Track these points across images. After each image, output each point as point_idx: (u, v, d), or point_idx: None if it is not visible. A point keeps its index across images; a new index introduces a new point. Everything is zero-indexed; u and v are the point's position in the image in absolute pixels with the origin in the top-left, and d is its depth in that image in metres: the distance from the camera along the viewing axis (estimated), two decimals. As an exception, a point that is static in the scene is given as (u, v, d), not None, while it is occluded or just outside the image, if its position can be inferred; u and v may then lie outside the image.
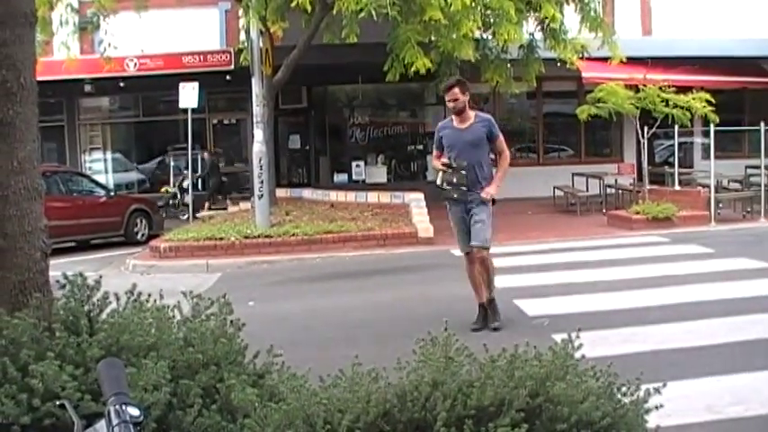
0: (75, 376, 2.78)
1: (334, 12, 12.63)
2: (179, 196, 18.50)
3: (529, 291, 8.27)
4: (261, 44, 13.59)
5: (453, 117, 7.05)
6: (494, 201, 6.88)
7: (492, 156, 7.18)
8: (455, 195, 6.78)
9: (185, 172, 18.63)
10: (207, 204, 18.50)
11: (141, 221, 16.10)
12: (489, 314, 6.93)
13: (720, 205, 14.11)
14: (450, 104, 6.93)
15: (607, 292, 8.09)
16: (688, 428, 4.27)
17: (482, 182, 6.83)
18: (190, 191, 16.67)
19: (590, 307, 7.37)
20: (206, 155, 19.46)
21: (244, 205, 16.76)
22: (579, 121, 15.82)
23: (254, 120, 13.62)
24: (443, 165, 6.84)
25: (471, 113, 7.00)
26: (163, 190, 18.90)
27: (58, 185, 14.86)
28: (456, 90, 6.86)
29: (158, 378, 2.79)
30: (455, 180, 6.74)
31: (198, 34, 19.02)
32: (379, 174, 20.31)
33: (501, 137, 7.04)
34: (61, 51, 15.59)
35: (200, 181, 19.09)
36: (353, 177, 20.32)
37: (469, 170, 6.77)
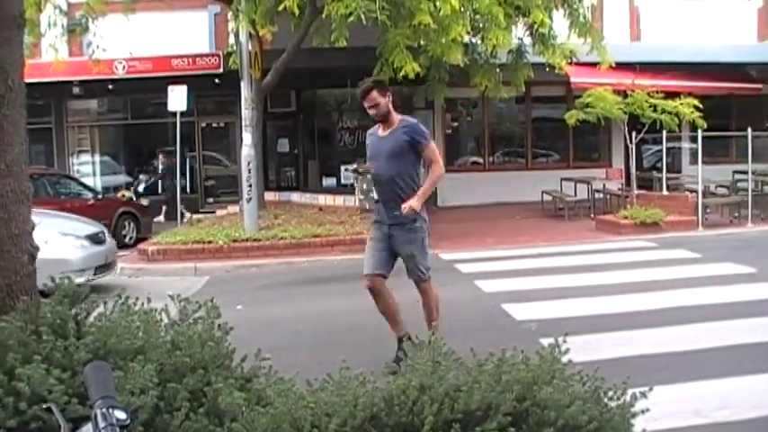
0: (62, 380, 2.77)
1: (324, 16, 12.61)
2: (135, 200, 18.44)
3: (517, 295, 8.29)
4: (250, 48, 13.57)
5: (380, 124, 6.08)
6: (426, 219, 5.94)
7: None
8: (367, 206, 5.76)
9: (141, 176, 18.48)
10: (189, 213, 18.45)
11: (129, 224, 16.04)
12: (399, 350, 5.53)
13: (708, 210, 14.18)
14: (372, 111, 5.92)
15: (595, 296, 8.12)
16: (675, 433, 4.30)
17: (403, 198, 5.78)
18: (182, 194, 16.62)
19: (578, 311, 7.38)
20: (161, 157, 19.29)
21: (232, 209, 16.71)
22: (568, 126, 15.84)
23: (243, 123, 13.59)
24: (352, 171, 5.92)
25: (396, 118, 6.00)
26: (120, 194, 18.80)
27: (45, 188, 14.81)
28: (374, 94, 5.86)
29: (145, 381, 2.79)
30: (364, 186, 5.82)
31: (187, 37, 18.97)
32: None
33: (431, 145, 6.04)
34: (49, 53, 15.50)
35: (159, 184, 18.98)
36: (342, 181, 20.24)
37: (385, 185, 5.86)
